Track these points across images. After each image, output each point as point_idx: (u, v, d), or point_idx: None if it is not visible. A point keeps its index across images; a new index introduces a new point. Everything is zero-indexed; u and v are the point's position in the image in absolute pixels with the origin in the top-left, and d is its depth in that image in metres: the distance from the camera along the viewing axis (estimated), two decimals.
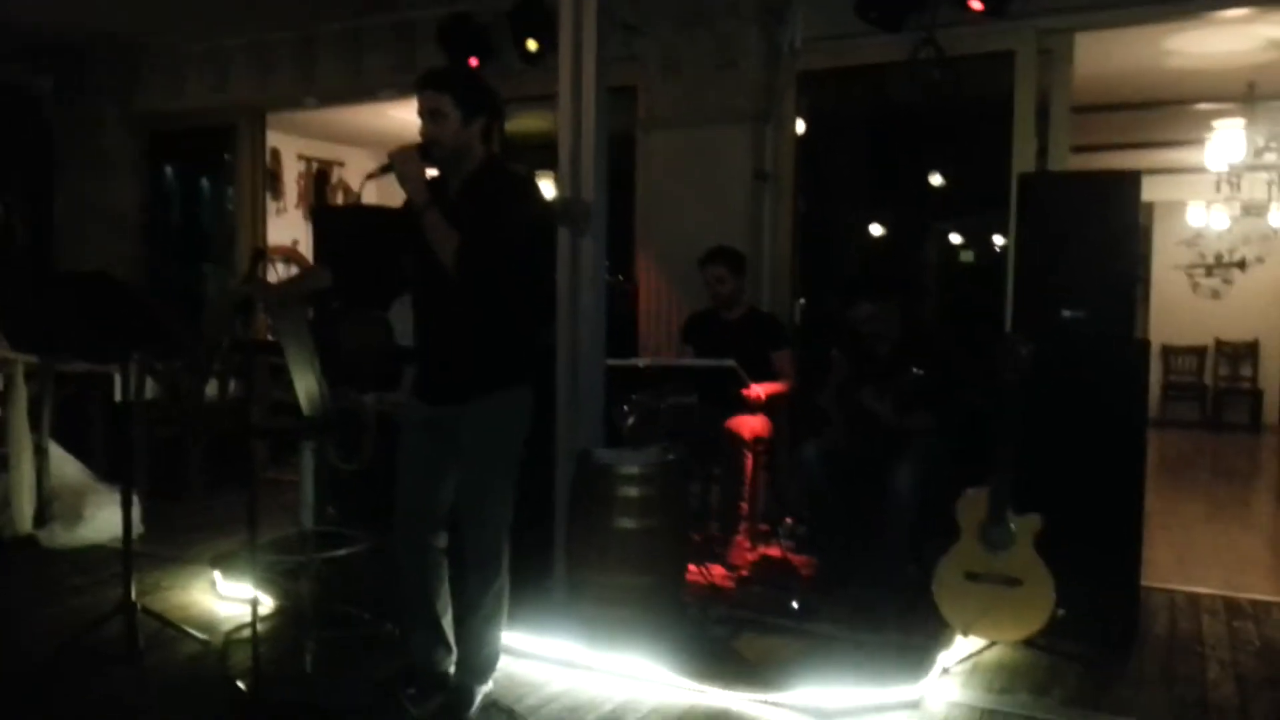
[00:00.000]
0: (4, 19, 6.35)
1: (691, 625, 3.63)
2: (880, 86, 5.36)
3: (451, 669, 3.11)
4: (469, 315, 2.89)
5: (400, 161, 2.83)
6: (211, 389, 5.92)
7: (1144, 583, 3.87)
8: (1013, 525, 3.37)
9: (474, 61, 5.75)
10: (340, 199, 9.27)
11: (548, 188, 5.35)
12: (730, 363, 4.20)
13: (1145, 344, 3.92)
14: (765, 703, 3.07)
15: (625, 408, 3.91)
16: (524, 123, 6.43)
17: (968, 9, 4.60)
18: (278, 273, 8.36)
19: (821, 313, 5.60)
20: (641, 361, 4.34)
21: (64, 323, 3.31)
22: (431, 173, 2.97)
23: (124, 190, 7.53)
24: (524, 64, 5.59)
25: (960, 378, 4.11)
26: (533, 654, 3.42)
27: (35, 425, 4.80)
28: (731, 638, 3.60)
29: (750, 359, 4.39)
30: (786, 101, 5.26)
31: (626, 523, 3.50)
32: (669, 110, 5.30)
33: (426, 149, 2.86)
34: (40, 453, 4.84)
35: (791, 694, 3.08)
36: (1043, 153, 4.78)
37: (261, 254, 3.31)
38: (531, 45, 5.54)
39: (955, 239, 6.15)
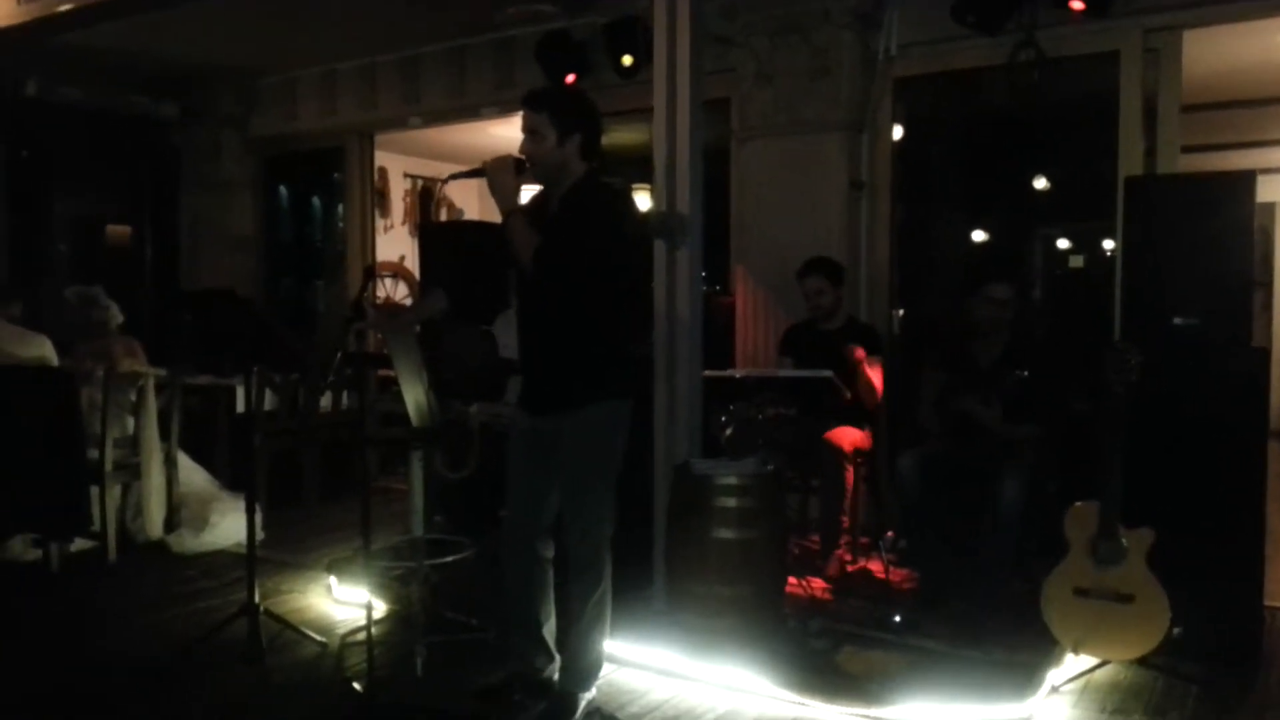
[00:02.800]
0: (134, 51, 6.74)
1: (791, 637, 3.64)
2: (979, 90, 5.27)
3: (555, 676, 3.18)
4: (564, 327, 2.97)
5: (494, 170, 2.92)
6: (326, 401, 6.17)
7: (1268, 603, 3.71)
8: (1124, 540, 3.28)
9: (571, 78, 5.87)
10: (444, 215, 9.53)
11: (644, 200, 5.42)
12: (828, 374, 4.19)
13: (1263, 352, 3.76)
14: (868, 718, 3.06)
15: (723, 418, 3.94)
16: (620, 136, 6.52)
17: (1069, 9, 4.50)
18: (386, 288, 8.66)
19: (919, 323, 5.52)
20: (738, 372, 4.36)
21: (192, 338, 3.54)
22: (534, 188, 3.06)
23: (242, 211, 7.92)
24: (620, 79, 5.68)
25: (1067, 387, 4.01)
26: (634, 662, 3.47)
27: (165, 436, 5.08)
28: (832, 651, 3.58)
29: (848, 370, 4.37)
30: (883, 109, 5.22)
31: (725, 533, 3.53)
32: (763, 121, 5.31)
33: (522, 164, 2.95)
34: (170, 462, 5.12)
35: (895, 709, 3.06)
36: (1151, 154, 4.64)
37: (372, 272, 3.46)
38: (626, 60, 5.63)
39: (1061, 244, 5.99)
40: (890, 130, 5.27)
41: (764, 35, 5.23)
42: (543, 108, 2.94)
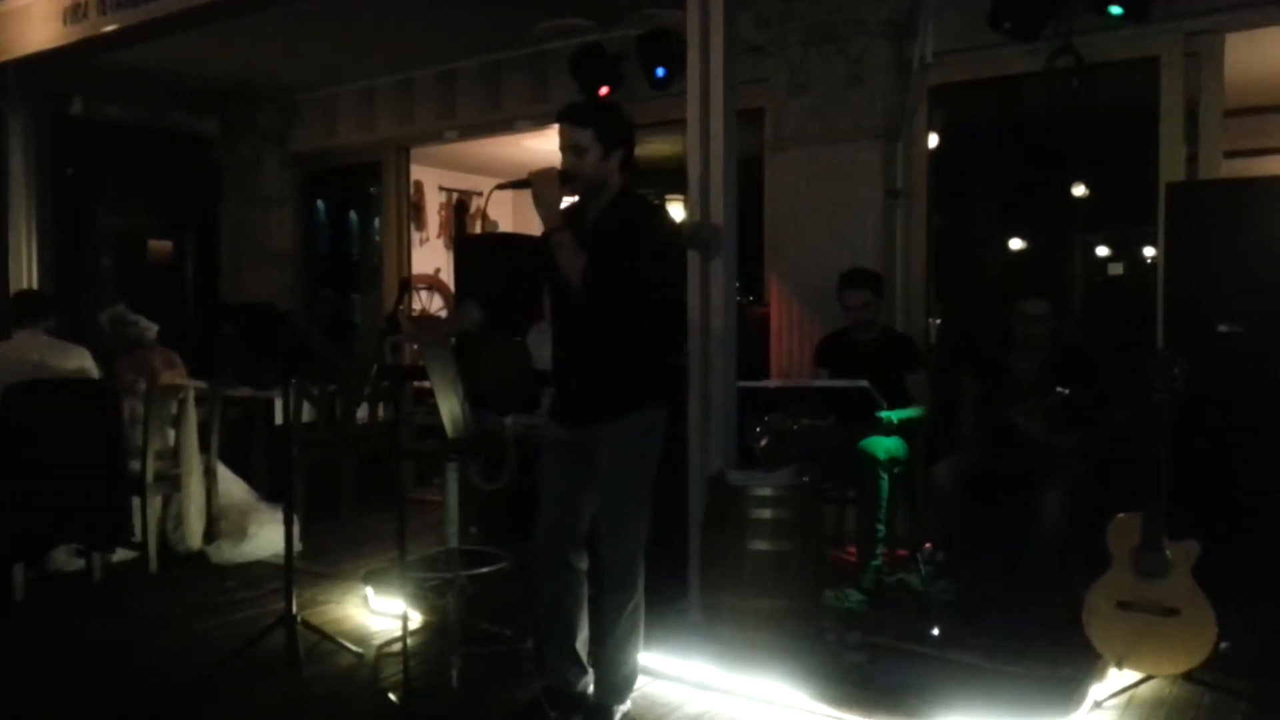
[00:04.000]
0: (176, 69, 6.87)
1: (829, 651, 3.60)
2: (1016, 97, 5.22)
3: (589, 688, 3.16)
4: (602, 339, 2.97)
5: (539, 182, 2.92)
6: (362, 413, 6.21)
7: None
8: (1168, 552, 3.22)
9: (605, 90, 5.89)
10: (479, 228, 9.59)
11: (677, 211, 5.42)
12: (864, 384, 4.16)
13: None
14: None
15: (758, 429, 3.91)
16: (653, 148, 6.53)
17: (1107, 15, 4.45)
18: (422, 301, 8.72)
19: (956, 333, 5.46)
20: (773, 383, 4.34)
21: (232, 350, 3.59)
22: (569, 199, 3.07)
23: (281, 225, 8.03)
24: (653, 90, 5.69)
25: (1109, 397, 3.95)
26: (670, 675, 3.45)
27: (204, 447, 5.14)
28: (870, 664, 3.54)
29: (885, 381, 4.33)
30: (918, 117, 5.19)
31: (760, 545, 3.50)
32: (797, 130, 5.29)
33: (566, 178, 2.96)
34: (209, 474, 5.18)
35: None
36: (1193, 160, 4.56)
37: (407, 284, 3.49)
38: (660, 71, 5.64)
39: (1101, 252, 5.91)
40: (926, 138, 5.23)
41: (798, 45, 5.21)
42: (588, 124, 2.94)
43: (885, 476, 4.37)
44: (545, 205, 2.92)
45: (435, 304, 9.11)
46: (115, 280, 8.10)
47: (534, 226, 3.02)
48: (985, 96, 5.30)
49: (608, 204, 3.00)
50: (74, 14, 5.55)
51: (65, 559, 4.80)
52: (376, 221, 7.85)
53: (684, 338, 3.85)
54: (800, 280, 5.26)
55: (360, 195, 8.14)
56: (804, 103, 5.25)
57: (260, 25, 5.72)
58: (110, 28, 5.44)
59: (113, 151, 7.84)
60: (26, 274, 6.72)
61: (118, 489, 4.59)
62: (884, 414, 4.21)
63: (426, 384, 3.41)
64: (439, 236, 9.40)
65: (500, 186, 3.16)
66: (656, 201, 3.30)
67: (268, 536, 5.07)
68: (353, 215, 8.40)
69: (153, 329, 5.33)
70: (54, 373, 4.61)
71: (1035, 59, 4.74)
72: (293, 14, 5.45)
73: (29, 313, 4.77)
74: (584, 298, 2.87)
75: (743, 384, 3.96)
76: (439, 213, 9.43)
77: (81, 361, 4.78)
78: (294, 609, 3.63)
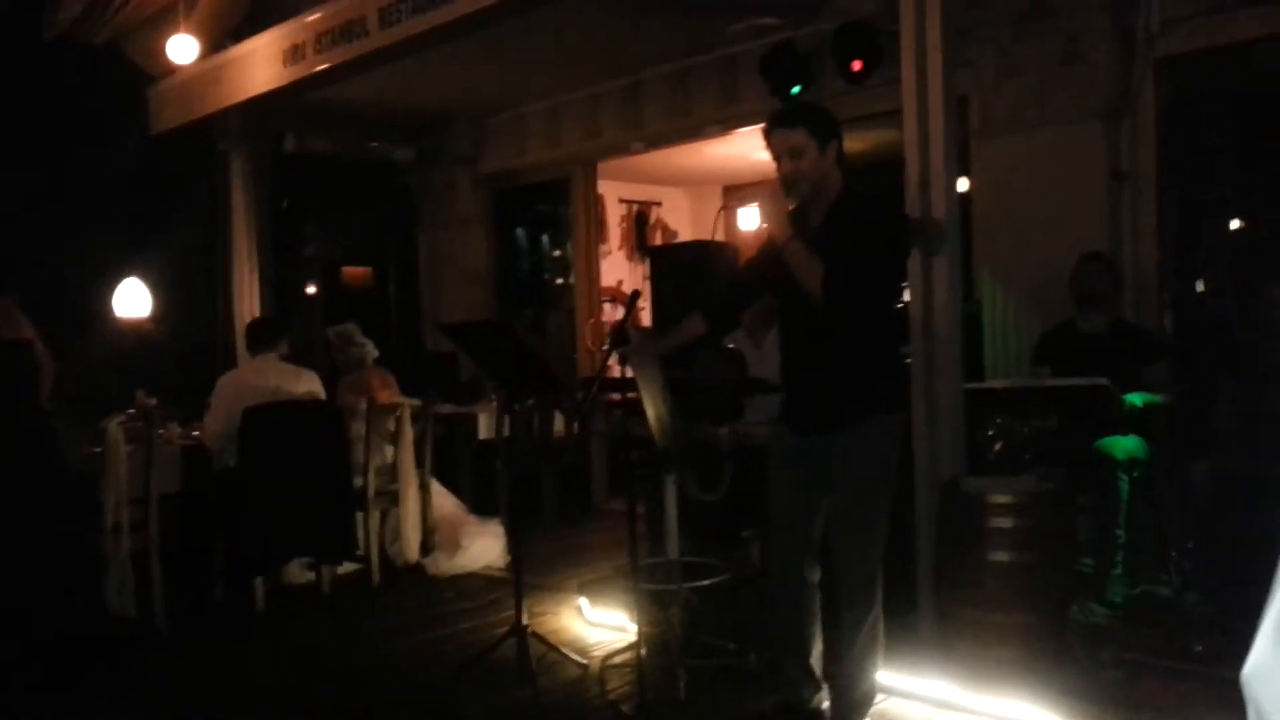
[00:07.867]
0: (378, 101, 7.18)
1: (1079, 668, 3.34)
2: (1257, 64, 4.75)
3: (824, 704, 3.06)
4: (840, 345, 2.86)
5: (766, 200, 2.88)
6: (559, 426, 6.29)
7: None
8: None
9: (797, 89, 5.75)
10: (659, 239, 9.61)
11: None
12: (1103, 382, 3.86)
13: None
14: None
15: (991, 433, 3.69)
16: (847, 144, 6.35)
17: None
18: (606, 313, 8.81)
19: (1200, 320, 5.01)
20: (1000, 383, 4.10)
21: (438, 369, 3.62)
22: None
23: (475, 245, 8.27)
24: (848, 85, 5.51)
25: None
26: (906, 692, 3.30)
27: (419, 463, 5.31)
28: (1128, 683, 3.27)
29: (1121, 376, 4.01)
30: (1144, 92, 4.80)
31: (1001, 556, 3.30)
32: (1010, 115, 5.00)
33: (789, 184, 2.88)
34: (424, 488, 5.34)
35: None
36: None
37: (637, 297, 3.47)
38: (856, 66, 5.45)
39: None
40: (1152, 115, 4.83)
41: (1006, 24, 4.93)
42: (798, 123, 2.90)
43: (1125, 479, 4.05)
44: (776, 219, 2.86)
45: (618, 316, 9.19)
46: (321, 306, 8.55)
47: (711, 234, 2.97)
48: (1220, 65, 4.85)
49: (833, 204, 2.91)
50: (293, 55, 5.86)
51: (297, 572, 5.05)
52: (564, 236, 7.97)
53: (907, 339, 3.68)
54: (1014, 274, 4.97)
55: (548, 212, 8.29)
56: (1015, 86, 4.95)
57: (456, 54, 5.88)
58: (323, 66, 5.72)
59: (319, 183, 8.28)
60: (249, 301, 7.18)
61: (344, 504, 4.79)
62: (1129, 397, 3.93)
63: (634, 395, 3.39)
64: (620, 248, 9.48)
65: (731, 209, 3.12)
66: (889, 200, 3.22)
67: (481, 548, 5.20)
68: (540, 232, 8.57)
69: (374, 352, 5.56)
70: (288, 396, 4.85)
71: (1273, 20, 4.30)
72: (486, 39, 5.57)
73: (264, 339, 5.03)
74: (826, 305, 2.76)
75: (969, 385, 3.75)
76: (620, 225, 9.52)
77: (312, 385, 5.00)
78: (525, 620, 3.66)
